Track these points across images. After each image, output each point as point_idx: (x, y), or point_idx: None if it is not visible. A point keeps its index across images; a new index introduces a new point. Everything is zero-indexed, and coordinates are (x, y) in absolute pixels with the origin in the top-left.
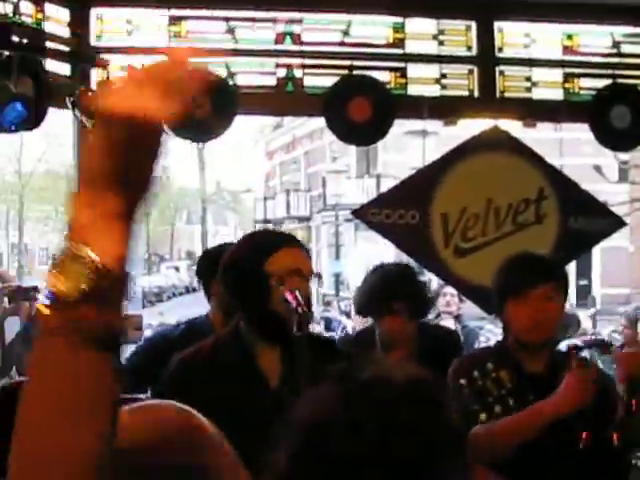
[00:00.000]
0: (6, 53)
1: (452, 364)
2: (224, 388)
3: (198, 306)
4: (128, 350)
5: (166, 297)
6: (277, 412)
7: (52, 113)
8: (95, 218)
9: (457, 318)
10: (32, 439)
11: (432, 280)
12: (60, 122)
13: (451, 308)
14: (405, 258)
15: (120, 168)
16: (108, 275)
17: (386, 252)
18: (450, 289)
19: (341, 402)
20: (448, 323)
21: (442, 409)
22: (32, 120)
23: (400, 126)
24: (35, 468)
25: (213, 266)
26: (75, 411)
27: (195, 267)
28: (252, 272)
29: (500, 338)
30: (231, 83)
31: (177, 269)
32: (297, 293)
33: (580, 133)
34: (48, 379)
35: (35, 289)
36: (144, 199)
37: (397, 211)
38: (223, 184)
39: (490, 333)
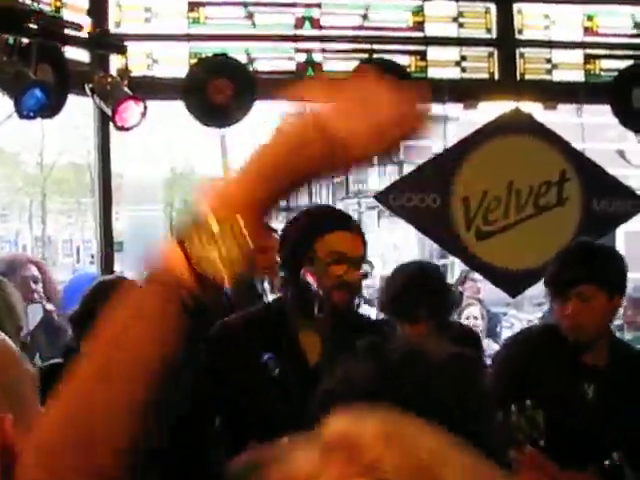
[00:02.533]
0: (25, 40)
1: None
2: (261, 358)
3: None
4: None
5: None
6: (312, 389)
7: (73, 104)
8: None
9: (480, 302)
10: (92, 386)
11: (455, 264)
12: (81, 112)
13: (479, 294)
14: (428, 242)
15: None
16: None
17: (409, 239)
18: (477, 274)
19: (377, 377)
20: (474, 309)
21: (478, 383)
22: (52, 107)
23: None
24: (87, 413)
25: None
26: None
27: None
28: (300, 252)
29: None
30: (250, 68)
31: None
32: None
33: (602, 117)
34: (133, 324)
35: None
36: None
37: (418, 195)
38: None
39: (514, 318)
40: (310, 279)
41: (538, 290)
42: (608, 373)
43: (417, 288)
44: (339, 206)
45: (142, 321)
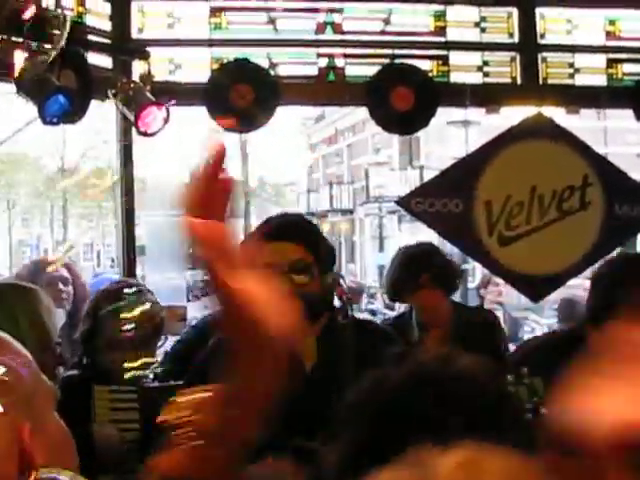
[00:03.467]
0: (49, 46)
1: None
2: None
3: None
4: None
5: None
6: (309, 395)
7: (95, 108)
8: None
9: (502, 306)
10: None
11: (477, 269)
12: (103, 117)
13: (502, 298)
14: (449, 247)
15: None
16: None
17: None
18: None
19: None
20: (497, 314)
21: (509, 401)
22: (75, 113)
23: (442, 116)
24: None
25: None
26: None
27: None
28: None
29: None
30: (273, 74)
31: None
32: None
33: (624, 122)
34: None
35: None
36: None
37: (441, 200)
38: (266, 178)
39: (535, 323)
40: None
41: (560, 295)
42: None
43: (415, 257)
44: (359, 210)
45: None
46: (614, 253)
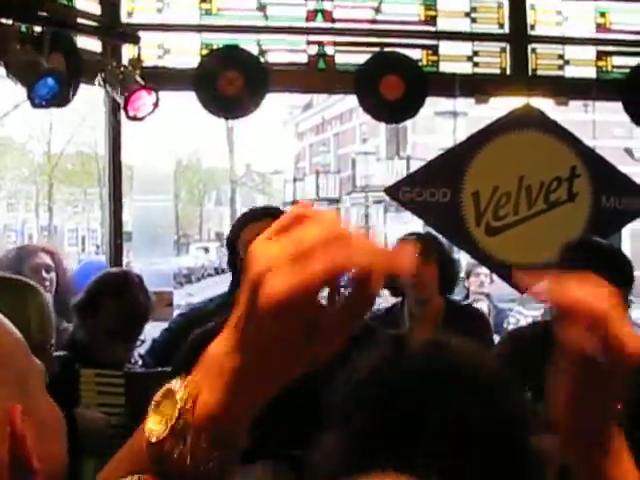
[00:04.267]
0: (38, 29)
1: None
2: None
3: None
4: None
5: (195, 279)
6: (307, 389)
7: (81, 94)
8: (213, 367)
9: (487, 297)
10: None
11: (462, 259)
12: (89, 102)
13: (484, 289)
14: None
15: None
16: (187, 426)
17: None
18: (483, 269)
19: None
20: (482, 304)
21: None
22: (63, 96)
23: (430, 107)
24: None
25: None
26: None
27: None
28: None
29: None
30: (262, 60)
31: (207, 250)
32: None
33: (611, 115)
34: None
35: None
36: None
37: (429, 189)
38: (252, 166)
39: (519, 314)
40: None
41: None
42: None
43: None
44: (346, 200)
45: None
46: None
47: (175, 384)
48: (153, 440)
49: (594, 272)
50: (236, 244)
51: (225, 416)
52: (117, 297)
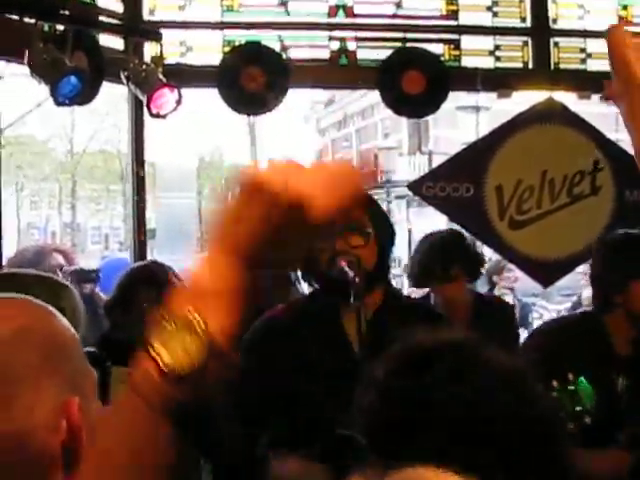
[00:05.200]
0: (60, 28)
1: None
2: (307, 350)
3: None
4: None
5: None
6: (357, 377)
7: (103, 91)
8: (212, 287)
9: (512, 291)
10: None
11: (486, 253)
12: (111, 100)
13: (511, 283)
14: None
15: (253, 242)
16: (219, 353)
17: (438, 228)
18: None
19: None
20: (507, 298)
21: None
22: (86, 94)
23: (452, 101)
24: None
25: None
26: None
27: None
28: None
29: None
30: (284, 56)
31: None
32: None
33: None
34: (117, 429)
35: (95, 272)
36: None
37: (452, 184)
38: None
39: (542, 309)
40: (346, 268)
41: (567, 280)
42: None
43: (448, 247)
44: None
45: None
46: None
47: (167, 320)
48: (184, 369)
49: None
50: None
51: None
52: (152, 286)
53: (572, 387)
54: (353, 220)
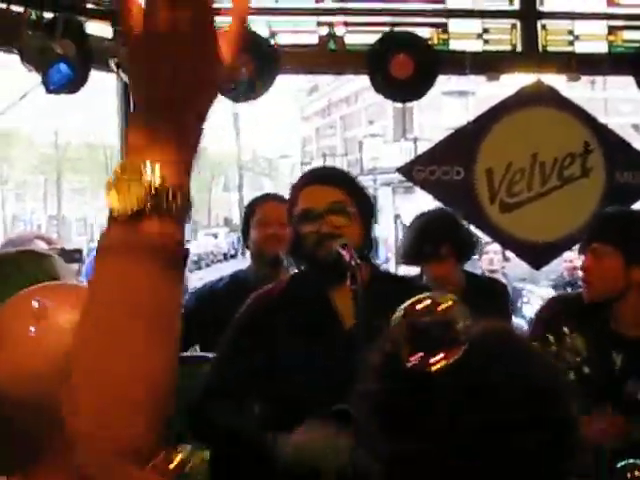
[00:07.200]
0: (48, 15)
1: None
2: (298, 325)
3: None
4: None
5: (204, 264)
6: (349, 352)
7: (87, 82)
8: (151, 136)
9: (504, 276)
10: (103, 359)
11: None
12: (96, 91)
13: (494, 266)
14: None
15: (166, 79)
16: (165, 189)
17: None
18: (493, 247)
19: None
20: None
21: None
22: (75, 82)
23: (437, 87)
24: (112, 387)
25: (250, 216)
26: (143, 330)
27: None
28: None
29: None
30: (272, 42)
31: (215, 236)
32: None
33: (618, 92)
34: (112, 298)
35: (79, 252)
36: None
37: (442, 167)
38: (259, 150)
39: (531, 294)
40: (342, 251)
41: (554, 265)
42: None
43: (439, 225)
44: None
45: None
46: None
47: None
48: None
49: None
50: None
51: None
52: None
53: (568, 339)
54: (335, 202)
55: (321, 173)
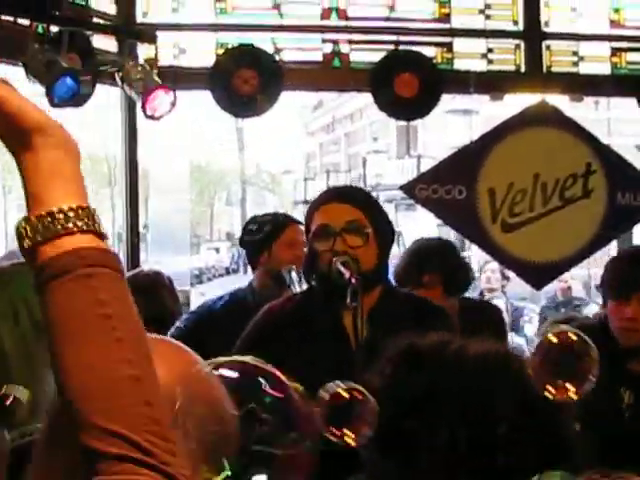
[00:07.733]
0: (54, 29)
1: None
2: (306, 342)
3: None
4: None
5: (206, 279)
6: (355, 371)
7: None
8: None
9: (505, 295)
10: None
11: (475, 256)
12: (100, 104)
13: (492, 285)
14: (451, 235)
15: None
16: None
17: (428, 232)
18: (491, 266)
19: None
20: (499, 302)
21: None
22: (80, 96)
23: (441, 105)
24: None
25: (257, 234)
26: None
27: (239, 241)
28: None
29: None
30: (277, 59)
31: (217, 250)
32: (350, 264)
33: (622, 112)
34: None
35: None
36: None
37: (444, 186)
38: (262, 165)
39: (532, 312)
40: (342, 269)
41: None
42: None
43: (427, 253)
44: None
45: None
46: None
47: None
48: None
49: None
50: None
51: None
52: (144, 296)
53: None
54: (352, 221)
55: (341, 191)
